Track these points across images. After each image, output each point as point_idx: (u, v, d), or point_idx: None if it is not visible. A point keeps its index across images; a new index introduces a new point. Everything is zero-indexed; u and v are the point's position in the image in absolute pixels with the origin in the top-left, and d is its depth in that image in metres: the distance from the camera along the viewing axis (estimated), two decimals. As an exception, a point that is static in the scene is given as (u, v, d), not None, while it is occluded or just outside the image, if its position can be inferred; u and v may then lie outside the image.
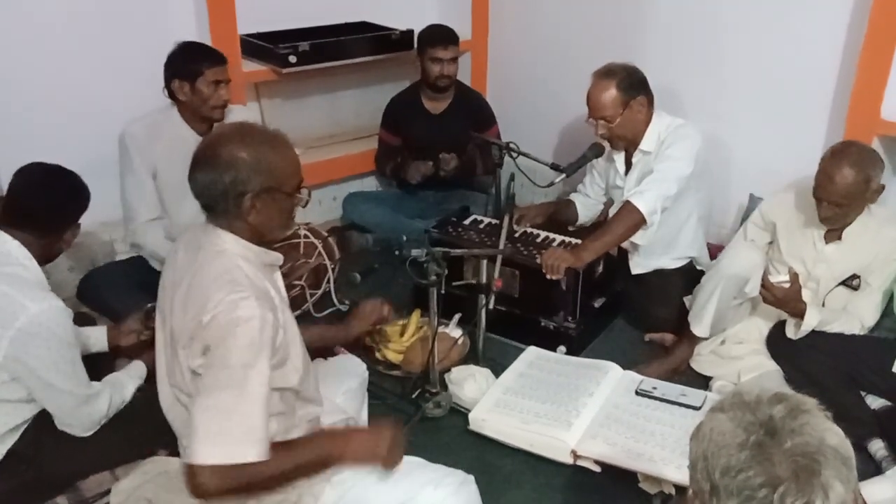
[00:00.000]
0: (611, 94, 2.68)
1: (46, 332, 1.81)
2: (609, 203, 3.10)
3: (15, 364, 1.82)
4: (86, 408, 1.94)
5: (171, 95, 2.66)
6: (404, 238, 3.03)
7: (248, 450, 1.45)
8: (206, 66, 2.63)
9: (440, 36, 3.40)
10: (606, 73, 2.71)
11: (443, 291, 2.25)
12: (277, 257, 1.73)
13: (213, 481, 1.43)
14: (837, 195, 2.34)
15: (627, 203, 2.65)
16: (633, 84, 2.70)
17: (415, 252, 2.06)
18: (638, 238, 2.75)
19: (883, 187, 2.38)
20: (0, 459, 1.93)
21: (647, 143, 2.77)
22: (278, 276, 1.75)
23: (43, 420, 1.95)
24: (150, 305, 2.36)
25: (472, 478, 1.77)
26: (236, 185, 1.57)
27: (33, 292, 1.84)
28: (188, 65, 2.63)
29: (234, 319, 1.48)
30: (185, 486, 1.46)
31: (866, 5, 2.63)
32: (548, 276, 2.59)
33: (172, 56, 2.64)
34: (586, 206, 3.14)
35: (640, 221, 2.64)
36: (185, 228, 2.76)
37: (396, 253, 1.98)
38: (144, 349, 2.32)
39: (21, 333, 1.79)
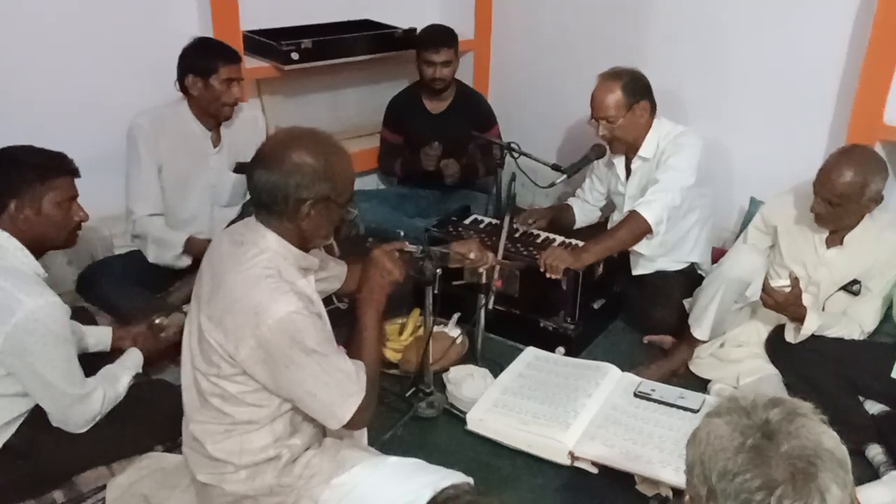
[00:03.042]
0: (615, 95, 2.68)
1: (42, 329, 1.81)
2: (610, 208, 3.10)
3: (10, 359, 1.82)
4: (79, 406, 1.93)
5: (183, 90, 2.67)
6: (401, 234, 3.02)
7: (362, 380, 1.69)
8: (221, 63, 2.64)
9: (432, 39, 3.39)
10: (613, 75, 2.72)
11: (436, 291, 2.25)
12: (314, 262, 1.77)
13: (365, 415, 1.70)
14: (831, 192, 2.33)
15: (634, 213, 2.66)
16: (637, 88, 2.71)
17: (410, 247, 2.06)
18: (642, 247, 2.76)
19: (882, 198, 2.37)
20: (-4, 454, 1.93)
21: (646, 149, 2.78)
22: (312, 279, 1.78)
23: (39, 415, 1.94)
24: (159, 319, 2.36)
25: (470, 480, 1.76)
26: (300, 190, 1.61)
27: (29, 287, 1.83)
28: (203, 61, 2.64)
29: (285, 317, 1.56)
30: (345, 431, 1.78)
31: (870, 9, 2.63)
32: (547, 275, 2.58)
33: (187, 51, 2.65)
34: (584, 212, 3.15)
35: (646, 231, 2.66)
36: (185, 223, 2.81)
37: None
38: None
39: (17, 329, 1.78)
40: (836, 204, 2.34)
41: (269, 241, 1.66)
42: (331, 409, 1.65)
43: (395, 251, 1.92)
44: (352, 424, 1.70)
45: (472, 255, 2.27)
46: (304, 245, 1.71)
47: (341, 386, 1.65)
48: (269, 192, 1.62)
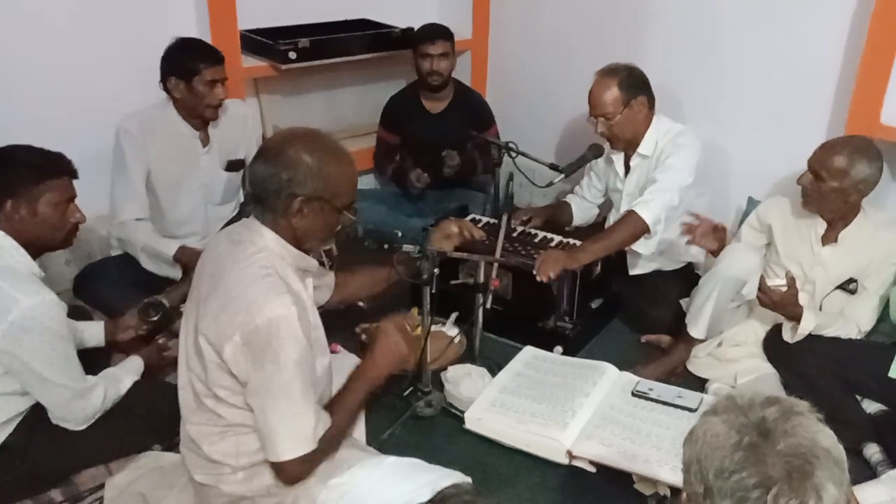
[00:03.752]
0: (613, 91, 2.68)
1: (39, 326, 1.80)
2: (608, 206, 3.10)
3: (8, 357, 1.82)
4: (80, 402, 1.93)
5: (167, 91, 2.66)
6: (398, 234, 3.02)
7: (316, 433, 1.63)
8: (204, 65, 2.61)
9: (429, 32, 3.40)
10: (609, 72, 2.72)
11: (433, 291, 2.25)
12: (312, 263, 1.76)
13: (303, 468, 1.65)
14: (818, 163, 2.38)
15: (632, 212, 2.66)
16: (635, 84, 2.71)
17: (407, 248, 2.05)
18: (639, 247, 2.76)
19: (867, 190, 2.38)
20: (-7, 453, 1.93)
21: (645, 146, 2.78)
22: (310, 282, 1.77)
23: (37, 413, 1.94)
24: (146, 301, 2.36)
25: (469, 480, 1.76)
26: (292, 185, 1.61)
27: (25, 286, 1.82)
28: (185, 63, 2.61)
29: (273, 319, 1.54)
30: (277, 480, 1.67)
31: (867, 10, 2.63)
32: (538, 279, 2.57)
33: (169, 53, 2.63)
34: (582, 209, 3.15)
35: (643, 231, 2.66)
36: (180, 224, 2.81)
37: (386, 247, 1.96)
38: (142, 344, 2.32)
39: (14, 327, 1.78)
40: (821, 178, 2.37)
41: (267, 239, 1.65)
42: (273, 439, 1.61)
43: (405, 325, 1.89)
44: (285, 470, 1.64)
45: (465, 234, 2.26)
46: (300, 245, 1.70)
47: (294, 424, 1.60)
48: (261, 185, 1.63)
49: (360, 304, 2.84)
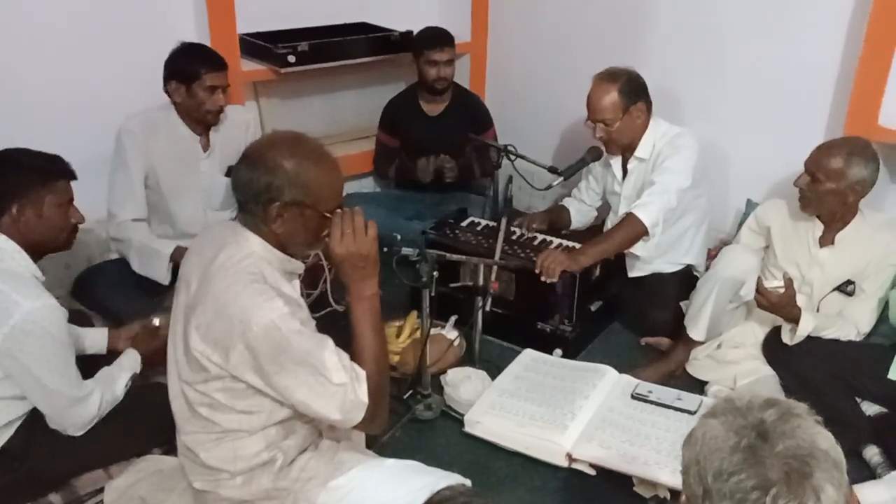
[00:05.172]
0: (612, 97, 2.68)
1: (40, 331, 1.80)
2: (606, 210, 3.10)
3: (8, 361, 1.82)
4: (77, 409, 1.93)
5: (168, 94, 2.66)
6: (398, 237, 3.02)
7: (360, 389, 1.61)
8: (205, 70, 2.61)
9: (436, 38, 3.40)
10: (609, 77, 2.71)
11: (433, 294, 2.25)
12: (299, 266, 1.74)
13: (373, 425, 1.67)
14: (814, 165, 2.39)
15: (631, 215, 2.66)
16: (634, 89, 2.71)
17: (406, 251, 2.05)
18: (637, 249, 2.76)
19: (864, 191, 2.39)
20: (-7, 456, 1.92)
21: (642, 150, 2.79)
22: (297, 283, 1.75)
23: (36, 417, 1.94)
24: (157, 320, 2.35)
25: (468, 482, 1.76)
26: (270, 190, 1.60)
27: (27, 289, 1.83)
28: (186, 67, 2.61)
29: (270, 324, 1.53)
30: (343, 433, 1.75)
31: (865, 11, 2.64)
32: (542, 279, 2.58)
33: (172, 56, 2.63)
34: (580, 212, 3.15)
35: (642, 233, 2.66)
36: (179, 228, 2.80)
37: (385, 250, 1.92)
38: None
39: (14, 331, 1.78)
40: (817, 180, 2.38)
41: (253, 244, 1.64)
42: (328, 419, 1.62)
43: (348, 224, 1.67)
44: (363, 430, 1.76)
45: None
46: (284, 250, 1.68)
47: (337, 399, 1.59)
48: (241, 190, 1.63)
49: (339, 307, 2.81)
